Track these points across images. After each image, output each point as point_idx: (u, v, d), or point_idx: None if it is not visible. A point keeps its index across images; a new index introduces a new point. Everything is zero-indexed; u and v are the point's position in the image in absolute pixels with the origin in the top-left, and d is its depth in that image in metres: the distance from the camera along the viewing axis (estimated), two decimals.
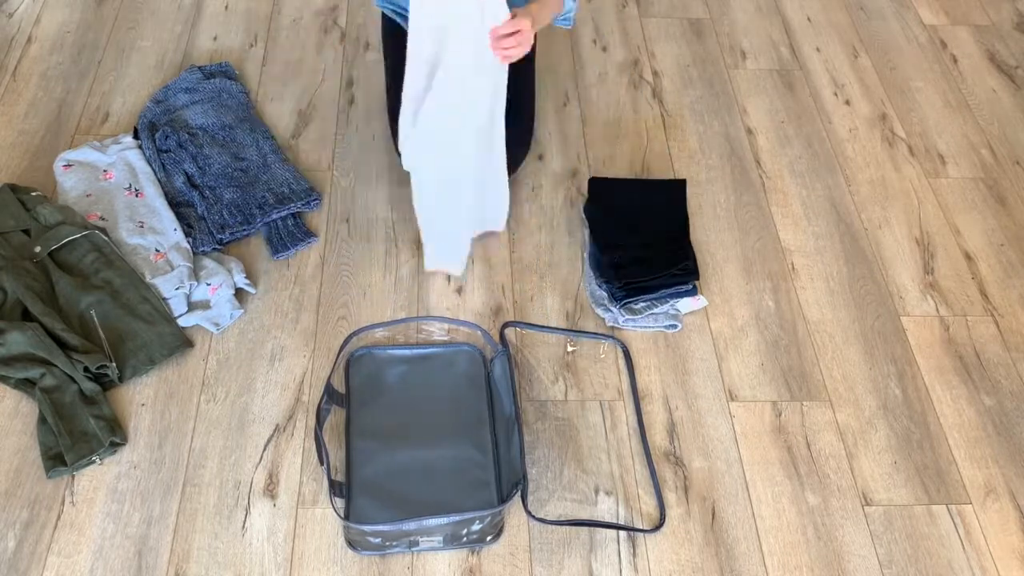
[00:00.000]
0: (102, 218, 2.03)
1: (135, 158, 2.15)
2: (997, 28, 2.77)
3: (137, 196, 2.07)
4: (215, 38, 2.57)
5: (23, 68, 2.46)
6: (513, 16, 1.74)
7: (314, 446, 1.74)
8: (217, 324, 1.90)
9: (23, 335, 1.78)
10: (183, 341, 1.86)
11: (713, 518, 1.70)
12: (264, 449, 1.75)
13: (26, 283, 1.87)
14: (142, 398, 1.81)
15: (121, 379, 1.81)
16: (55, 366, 1.76)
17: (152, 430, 1.76)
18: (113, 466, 1.71)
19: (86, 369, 1.77)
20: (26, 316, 1.85)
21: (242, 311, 1.93)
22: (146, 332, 1.84)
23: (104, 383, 1.80)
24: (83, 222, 1.98)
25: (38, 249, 1.93)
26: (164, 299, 1.91)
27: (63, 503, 1.66)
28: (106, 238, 1.97)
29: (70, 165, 2.13)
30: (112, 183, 2.10)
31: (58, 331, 1.80)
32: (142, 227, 2.02)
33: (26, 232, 1.98)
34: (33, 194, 2.05)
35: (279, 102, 2.40)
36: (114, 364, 1.79)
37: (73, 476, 1.69)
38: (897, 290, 2.07)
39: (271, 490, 1.70)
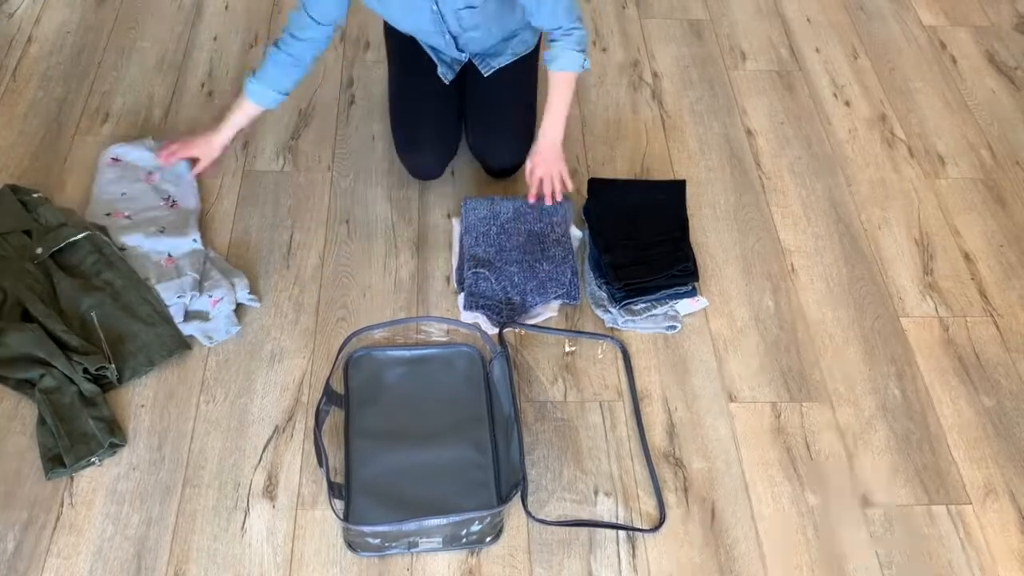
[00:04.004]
0: (128, 217, 2.03)
1: (184, 169, 2.15)
2: (997, 29, 2.77)
3: (172, 207, 2.07)
4: (215, 38, 2.57)
5: (23, 68, 2.46)
6: (532, 169, 2.02)
7: (313, 447, 1.74)
8: (211, 338, 1.89)
9: (23, 336, 1.78)
10: (182, 343, 1.86)
11: (713, 518, 1.70)
12: (263, 450, 1.75)
13: (27, 284, 1.87)
14: (141, 399, 1.81)
15: (120, 380, 1.81)
16: (55, 367, 1.76)
17: (151, 431, 1.76)
18: (112, 467, 1.71)
19: (85, 370, 1.77)
20: (26, 317, 1.85)
21: (239, 328, 1.92)
22: (146, 333, 1.84)
23: (103, 384, 1.79)
24: (84, 223, 1.98)
25: (39, 251, 1.93)
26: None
27: (62, 504, 1.66)
28: (107, 239, 1.97)
29: (118, 160, 2.13)
30: (151, 187, 2.10)
31: (58, 332, 1.80)
32: (162, 232, 2.01)
33: (27, 233, 1.98)
34: (35, 195, 2.05)
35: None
36: (113, 366, 1.79)
37: (72, 477, 1.69)
38: (897, 291, 2.07)
39: (270, 491, 1.70)
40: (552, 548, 1.65)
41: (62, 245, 1.94)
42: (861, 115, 2.48)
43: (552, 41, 1.93)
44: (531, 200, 2.04)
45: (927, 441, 1.82)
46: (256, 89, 2.04)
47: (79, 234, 1.95)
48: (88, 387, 1.76)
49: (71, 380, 1.76)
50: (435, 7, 1.91)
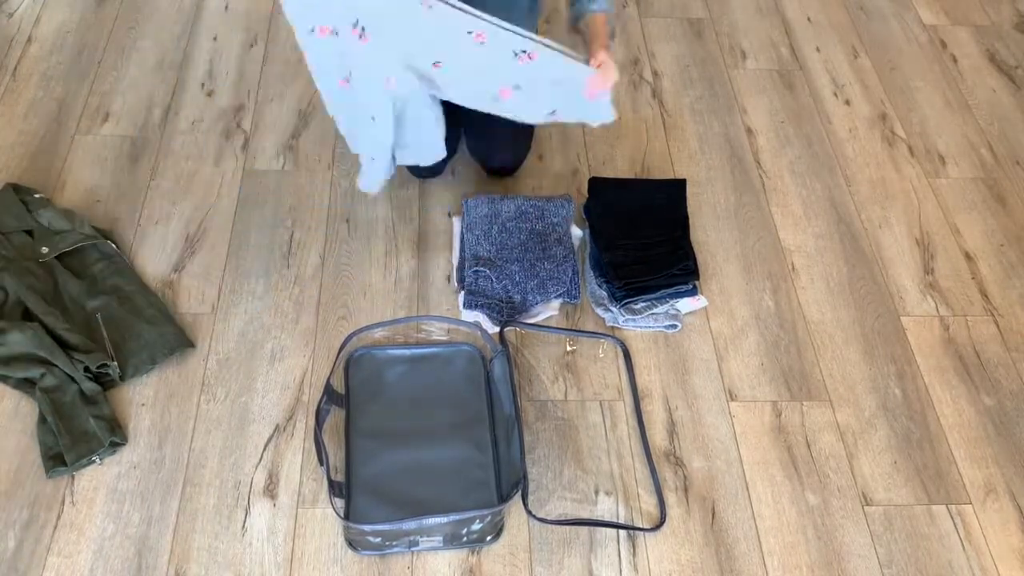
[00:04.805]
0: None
1: None
2: (997, 28, 2.77)
3: None
4: (215, 38, 2.58)
5: (23, 68, 2.46)
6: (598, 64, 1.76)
7: (314, 446, 1.74)
8: None
9: (23, 335, 1.78)
10: (185, 341, 1.86)
11: (713, 518, 1.70)
12: (264, 449, 1.75)
13: (28, 283, 1.87)
14: (142, 398, 1.81)
15: (123, 378, 1.81)
16: (55, 366, 1.77)
17: (152, 430, 1.76)
18: (113, 466, 1.71)
19: (87, 369, 1.77)
20: (27, 316, 1.85)
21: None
22: (149, 332, 1.84)
23: (105, 383, 1.80)
24: (91, 231, 2.00)
25: (45, 250, 1.94)
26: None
27: (63, 503, 1.66)
28: (115, 247, 1.98)
29: None
30: None
31: (59, 331, 1.80)
32: None
33: (28, 233, 1.98)
34: (36, 196, 2.05)
35: (279, 102, 2.40)
36: (115, 363, 1.79)
37: (73, 476, 1.69)
38: (897, 290, 2.07)
39: (271, 490, 1.70)
40: (553, 547, 1.65)
41: (71, 248, 1.95)
42: (861, 114, 2.48)
43: None
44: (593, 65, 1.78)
45: (927, 440, 1.82)
46: None
47: (87, 241, 1.97)
48: (89, 386, 1.76)
49: (72, 379, 1.77)
50: None
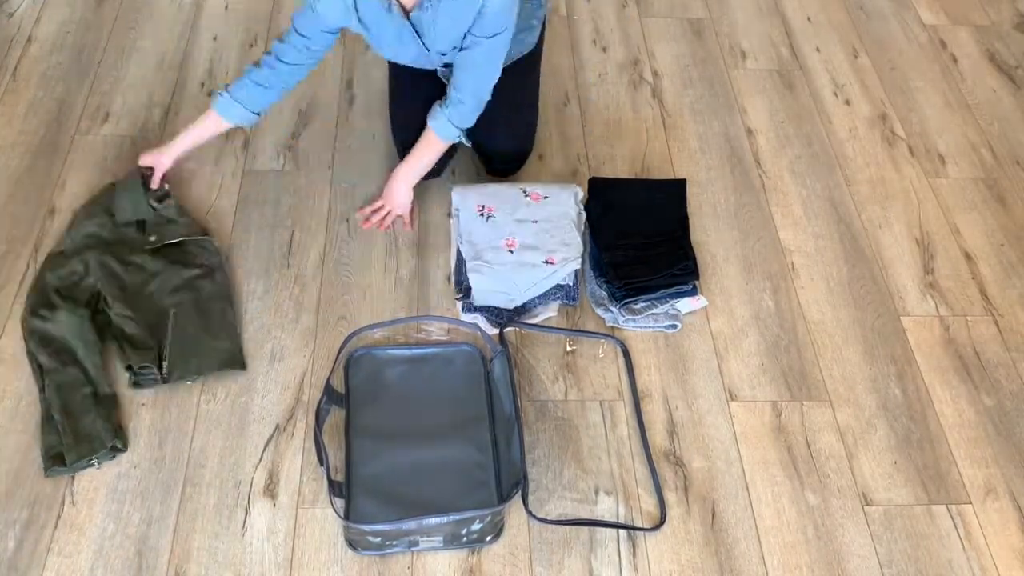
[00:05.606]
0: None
1: None
2: (997, 28, 2.77)
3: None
4: (215, 38, 2.58)
5: (23, 68, 2.46)
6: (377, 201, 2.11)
7: (314, 446, 1.74)
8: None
9: (70, 319, 1.81)
10: (238, 362, 1.84)
11: (713, 518, 1.70)
12: (264, 449, 1.75)
13: (112, 268, 1.91)
14: (142, 398, 1.81)
15: (167, 380, 1.80)
16: (80, 363, 1.77)
17: (152, 430, 1.76)
18: (113, 466, 1.71)
19: (129, 367, 1.78)
20: (95, 299, 1.88)
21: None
22: (206, 343, 1.84)
23: (144, 382, 1.80)
24: (200, 229, 2.03)
25: (153, 239, 1.98)
26: None
27: (63, 503, 1.66)
28: (217, 246, 2.01)
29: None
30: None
31: (121, 318, 1.83)
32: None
33: (139, 223, 2.01)
34: (156, 189, 2.07)
35: (279, 102, 2.39)
36: (164, 365, 1.79)
37: (73, 476, 1.69)
38: (897, 290, 2.07)
39: (271, 490, 1.70)
40: (553, 547, 1.65)
41: (177, 240, 1.99)
42: (861, 114, 2.48)
43: (446, 100, 1.95)
44: (364, 226, 2.12)
45: (927, 440, 1.82)
46: (226, 103, 1.97)
47: (195, 235, 2.00)
48: (105, 390, 1.76)
49: (89, 380, 1.76)
50: (422, 45, 1.92)
